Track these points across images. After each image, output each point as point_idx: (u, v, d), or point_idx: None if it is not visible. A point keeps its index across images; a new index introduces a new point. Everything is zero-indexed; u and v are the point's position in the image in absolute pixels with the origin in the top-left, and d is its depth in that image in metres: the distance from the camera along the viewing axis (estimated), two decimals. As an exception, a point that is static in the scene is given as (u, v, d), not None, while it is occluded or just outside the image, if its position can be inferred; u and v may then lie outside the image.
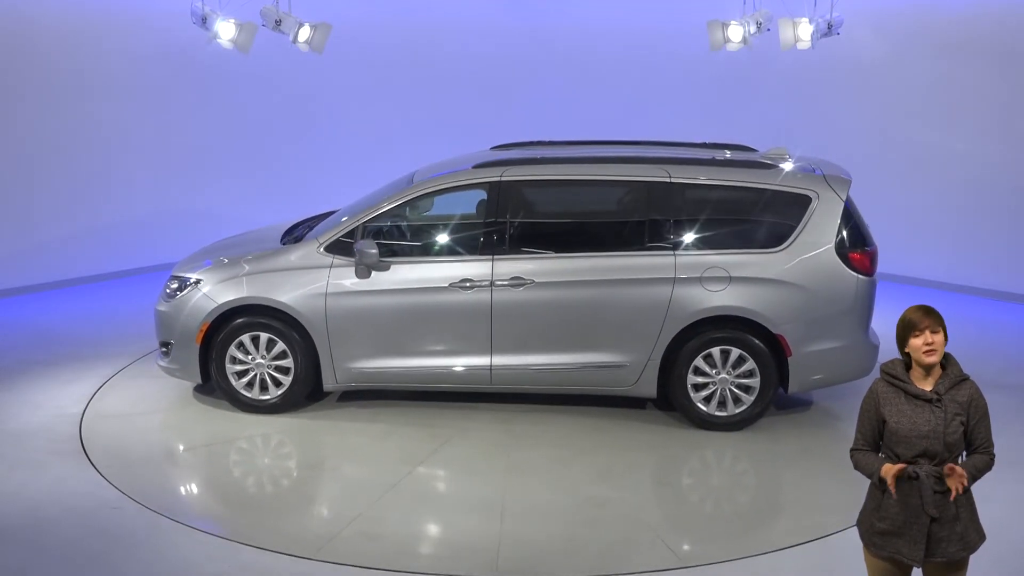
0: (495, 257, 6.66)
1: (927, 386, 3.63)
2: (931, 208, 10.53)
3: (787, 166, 6.87)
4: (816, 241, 6.50)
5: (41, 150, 10.09)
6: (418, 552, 5.19)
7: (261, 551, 5.06)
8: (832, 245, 6.49)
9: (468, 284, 6.62)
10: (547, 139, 8.16)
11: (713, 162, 6.94)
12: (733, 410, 6.64)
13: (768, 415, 6.91)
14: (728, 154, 7.28)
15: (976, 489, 3.70)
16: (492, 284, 6.61)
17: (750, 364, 6.54)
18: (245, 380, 6.89)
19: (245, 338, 6.80)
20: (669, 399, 6.82)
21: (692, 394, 6.65)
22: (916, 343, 3.59)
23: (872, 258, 6.59)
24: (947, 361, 3.67)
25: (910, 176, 10.64)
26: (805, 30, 9.55)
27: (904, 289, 10.08)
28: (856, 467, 3.75)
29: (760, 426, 6.76)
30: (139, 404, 7.12)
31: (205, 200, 11.53)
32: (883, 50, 10.58)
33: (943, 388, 3.60)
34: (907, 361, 3.68)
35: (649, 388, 6.69)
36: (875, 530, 3.70)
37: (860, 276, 6.49)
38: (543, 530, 5.36)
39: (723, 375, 6.59)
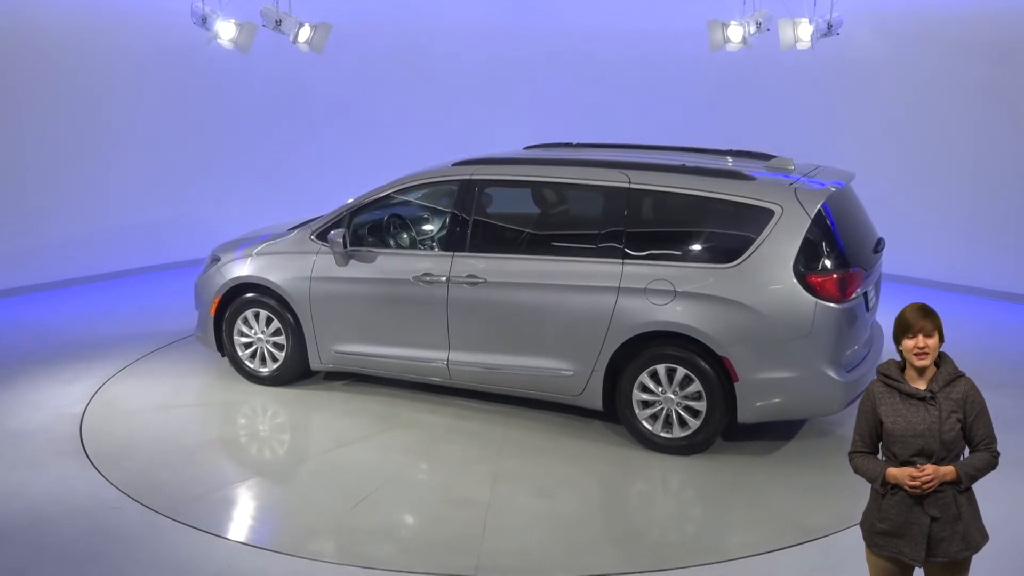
0: (455, 254, 6.69)
1: (921, 385, 3.62)
2: (932, 208, 10.53)
3: (761, 176, 6.34)
4: (773, 259, 5.89)
5: (40, 150, 10.08)
6: (249, 523, 5.43)
7: (260, 551, 5.06)
8: (790, 265, 5.85)
9: (429, 278, 6.68)
10: (575, 141, 8.10)
11: (681, 169, 6.45)
12: (678, 432, 6.18)
13: (739, 444, 6.40)
14: (729, 161, 6.98)
15: (978, 488, 3.69)
16: (449, 280, 6.63)
17: (697, 385, 6.08)
18: (250, 352, 7.42)
19: (248, 314, 7.34)
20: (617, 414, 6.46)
21: (638, 411, 6.28)
22: (908, 345, 3.59)
23: (842, 283, 5.86)
24: (941, 360, 3.66)
25: (911, 176, 10.64)
26: (805, 30, 9.56)
27: (906, 289, 10.06)
28: (856, 471, 3.75)
29: (708, 453, 6.25)
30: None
31: (205, 200, 11.53)
32: (883, 50, 10.58)
33: (937, 386, 3.60)
34: (902, 362, 3.68)
35: (594, 400, 6.41)
36: (876, 531, 3.70)
37: (821, 302, 5.79)
38: (377, 519, 5.42)
39: (669, 394, 6.16)
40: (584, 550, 5.14)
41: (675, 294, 6.06)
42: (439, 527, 5.39)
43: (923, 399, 3.58)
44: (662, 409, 6.23)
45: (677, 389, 6.15)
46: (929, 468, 3.52)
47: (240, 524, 5.48)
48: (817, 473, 6.07)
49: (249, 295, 7.33)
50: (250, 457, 6.43)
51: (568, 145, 7.88)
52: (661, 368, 6.16)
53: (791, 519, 5.44)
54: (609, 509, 5.77)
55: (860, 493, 5.45)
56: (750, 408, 6.02)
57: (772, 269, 5.90)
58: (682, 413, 6.19)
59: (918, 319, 3.57)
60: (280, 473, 6.17)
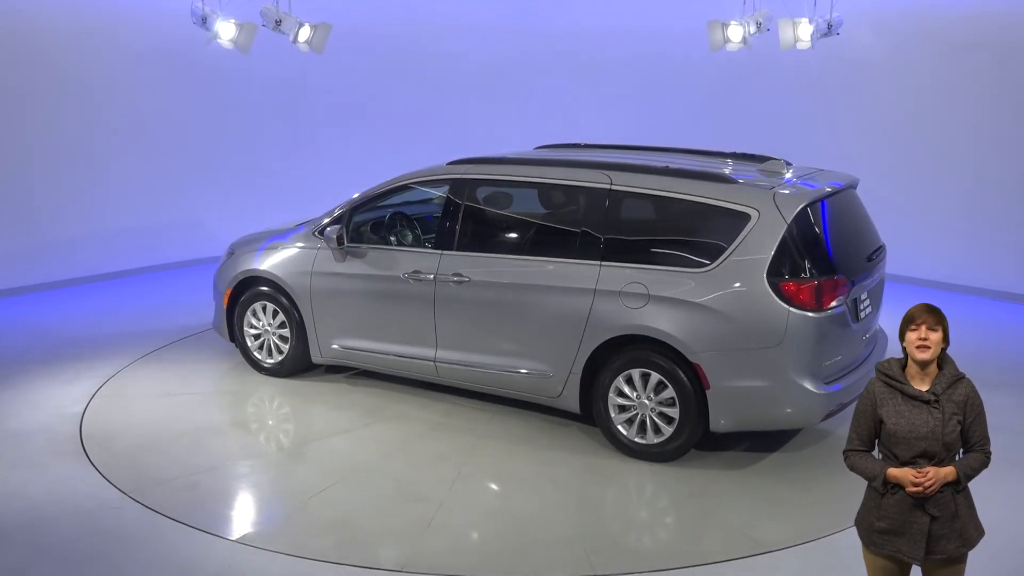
0: (443, 252, 6.72)
1: (924, 386, 3.62)
2: (933, 208, 10.53)
3: (743, 179, 6.17)
4: (747, 265, 5.71)
5: (41, 150, 10.09)
6: (201, 506, 5.52)
7: (259, 551, 5.06)
8: (764, 271, 5.66)
9: (418, 276, 6.73)
10: (583, 141, 8.07)
11: (662, 171, 6.28)
12: (652, 439, 6.06)
13: (719, 452, 6.26)
14: (729, 163, 6.84)
15: (976, 488, 3.70)
16: (436, 278, 6.67)
17: (671, 391, 5.93)
18: (258, 343, 7.64)
19: (257, 306, 7.56)
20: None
21: (614, 415, 6.17)
22: (911, 337, 3.60)
23: (818, 291, 5.63)
24: (943, 361, 3.67)
25: (911, 176, 10.64)
26: (805, 30, 9.56)
27: (907, 289, 10.07)
28: (852, 469, 3.74)
29: (683, 460, 6.12)
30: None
31: (205, 200, 11.54)
32: (883, 50, 10.58)
33: (940, 388, 3.60)
34: (904, 361, 3.69)
35: (572, 402, 6.34)
36: (875, 529, 3.70)
37: (794, 310, 5.59)
38: (326, 511, 5.45)
39: (644, 400, 6.03)
40: (525, 551, 5.06)
41: (649, 297, 5.94)
42: (384, 522, 5.36)
43: (927, 402, 3.58)
44: (637, 414, 6.12)
45: (652, 395, 6.03)
46: (931, 472, 3.52)
47: (208, 513, 5.47)
48: (788, 486, 5.87)
49: (258, 288, 7.52)
50: (234, 445, 6.48)
51: (577, 146, 7.85)
52: (636, 373, 6.06)
53: (744, 532, 5.28)
54: (565, 512, 5.58)
55: (822, 510, 5.51)
56: (722, 417, 5.85)
57: (745, 275, 5.73)
58: (656, 420, 6.06)
59: (922, 312, 3.60)
60: (255, 462, 6.21)
